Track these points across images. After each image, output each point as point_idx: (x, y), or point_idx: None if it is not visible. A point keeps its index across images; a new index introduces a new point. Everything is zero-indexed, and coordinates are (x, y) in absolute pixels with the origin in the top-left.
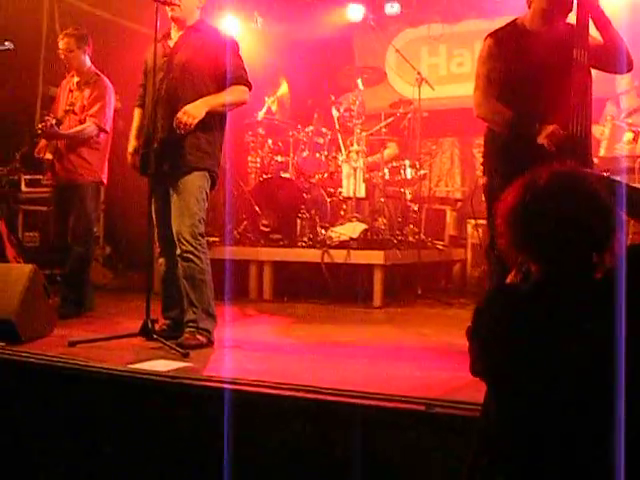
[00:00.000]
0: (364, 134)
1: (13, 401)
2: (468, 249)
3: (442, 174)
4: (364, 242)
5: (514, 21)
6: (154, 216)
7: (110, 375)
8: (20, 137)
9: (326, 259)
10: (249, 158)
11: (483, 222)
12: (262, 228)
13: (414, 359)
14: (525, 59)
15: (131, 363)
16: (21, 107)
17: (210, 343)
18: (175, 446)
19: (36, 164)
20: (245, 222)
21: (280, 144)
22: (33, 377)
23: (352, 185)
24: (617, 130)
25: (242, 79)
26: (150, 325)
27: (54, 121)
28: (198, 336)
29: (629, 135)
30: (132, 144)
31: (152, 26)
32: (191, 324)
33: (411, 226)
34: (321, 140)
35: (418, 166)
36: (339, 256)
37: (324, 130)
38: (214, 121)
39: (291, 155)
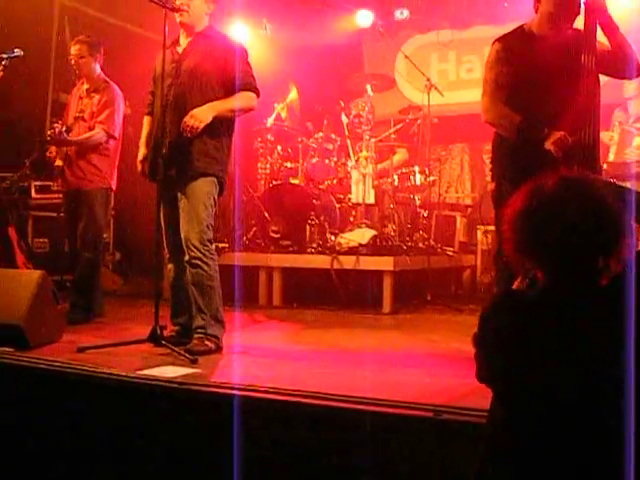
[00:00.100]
0: (373, 140)
1: (21, 407)
2: (478, 255)
3: (452, 180)
4: (373, 248)
5: (521, 26)
6: (163, 222)
7: (118, 381)
8: (30, 144)
9: (335, 265)
10: (258, 164)
11: (492, 228)
12: (271, 234)
13: (423, 365)
14: (533, 63)
15: (140, 369)
16: (31, 114)
17: (219, 349)
18: (183, 452)
19: (46, 170)
20: (254, 228)
21: (289, 150)
22: (41, 383)
23: (361, 191)
24: (626, 135)
25: (250, 85)
26: (159, 331)
27: (63, 128)
28: (207, 342)
29: (638, 140)
30: (142, 152)
31: (161, 32)
32: (200, 330)
33: (421, 232)
34: (330, 146)
35: (428, 172)
36: (348, 262)
37: (333, 136)
38: (222, 127)
39: (300, 161)
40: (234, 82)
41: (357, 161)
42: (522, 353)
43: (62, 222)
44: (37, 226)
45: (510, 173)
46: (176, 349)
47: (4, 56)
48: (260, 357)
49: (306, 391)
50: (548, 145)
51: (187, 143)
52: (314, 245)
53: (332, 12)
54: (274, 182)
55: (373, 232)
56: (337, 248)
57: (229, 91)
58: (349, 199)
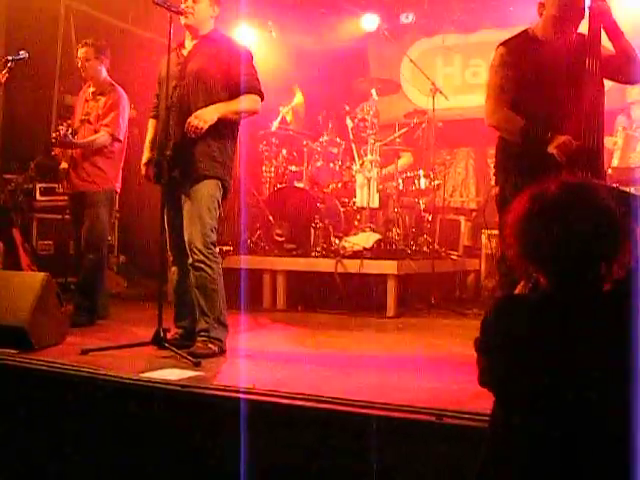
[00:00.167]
0: (378, 144)
1: (25, 409)
2: (482, 259)
3: (457, 184)
4: (378, 252)
5: (526, 30)
6: (166, 225)
7: (122, 383)
8: (35, 146)
9: (340, 269)
10: (263, 168)
11: (497, 233)
12: (276, 237)
13: (426, 369)
14: (537, 67)
15: (143, 372)
16: (36, 116)
17: (222, 352)
18: (186, 455)
19: (51, 173)
20: (259, 231)
21: (294, 154)
22: (45, 385)
23: (366, 195)
24: (630, 140)
25: (255, 89)
26: (162, 334)
27: (69, 130)
28: (210, 345)
29: None
30: (146, 155)
31: (167, 35)
32: (203, 333)
33: (425, 236)
34: (335, 150)
35: (432, 176)
36: (353, 266)
37: (338, 140)
38: (226, 130)
39: (305, 165)
40: (238, 85)
41: (362, 165)
42: (524, 358)
43: (68, 224)
44: (41, 228)
45: (514, 177)
46: (179, 352)
47: (9, 58)
48: (263, 360)
49: (309, 394)
50: (552, 149)
51: (191, 145)
52: (318, 249)
53: (337, 16)
54: (279, 185)
55: (377, 236)
56: (341, 252)
57: (233, 94)
58: (354, 203)
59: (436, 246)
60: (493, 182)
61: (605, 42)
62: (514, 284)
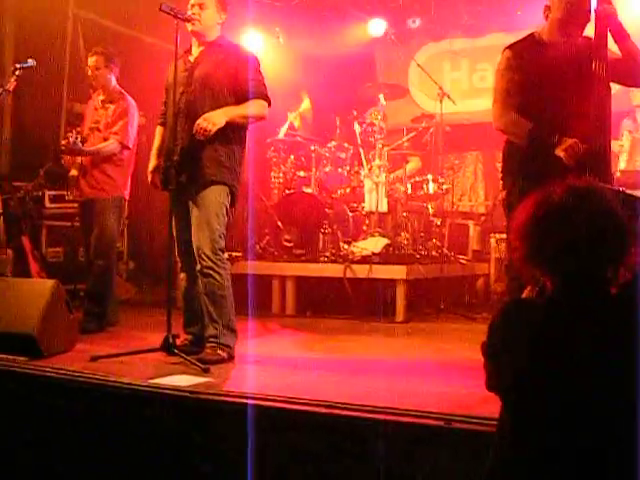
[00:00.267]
0: (386, 149)
1: (35, 416)
2: (491, 264)
3: (465, 189)
4: (386, 257)
5: (532, 34)
6: (174, 231)
7: (131, 390)
8: (44, 153)
9: (348, 274)
10: (272, 173)
11: (505, 237)
12: (285, 243)
13: (435, 374)
14: (543, 71)
15: (152, 378)
16: (45, 124)
17: (231, 358)
18: (195, 461)
19: (60, 180)
20: (268, 237)
21: (303, 159)
22: (54, 392)
23: (374, 200)
24: (637, 143)
25: (262, 94)
26: (171, 340)
27: (78, 138)
28: (219, 351)
29: None
30: (152, 163)
31: (174, 42)
32: (212, 339)
33: (434, 241)
34: (343, 155)
35: (441, 181)
36: (361, 271)
37: (346, 145)
38: (234, 135)
39: (313, 170)
40: (245, 91)
41: (370, 170)
42: (531, 362)
43: (77, 232)
44: (51, 235)
45: (521, 181)
46: (188, 358)
47: (17, 66)
48: (273, 366)
49: (319, 400)
50: (559, 152)
51: (198, 150)
52: (327, 254)
53: (344, 21)
54: (287, 191)
55: (386, 241)
56: (350, 257)
57: (240, 100)
58: (362, 208)
59: (445, 250)
60: (501, 186)
61: (611, 45)
62: (522, 288)
